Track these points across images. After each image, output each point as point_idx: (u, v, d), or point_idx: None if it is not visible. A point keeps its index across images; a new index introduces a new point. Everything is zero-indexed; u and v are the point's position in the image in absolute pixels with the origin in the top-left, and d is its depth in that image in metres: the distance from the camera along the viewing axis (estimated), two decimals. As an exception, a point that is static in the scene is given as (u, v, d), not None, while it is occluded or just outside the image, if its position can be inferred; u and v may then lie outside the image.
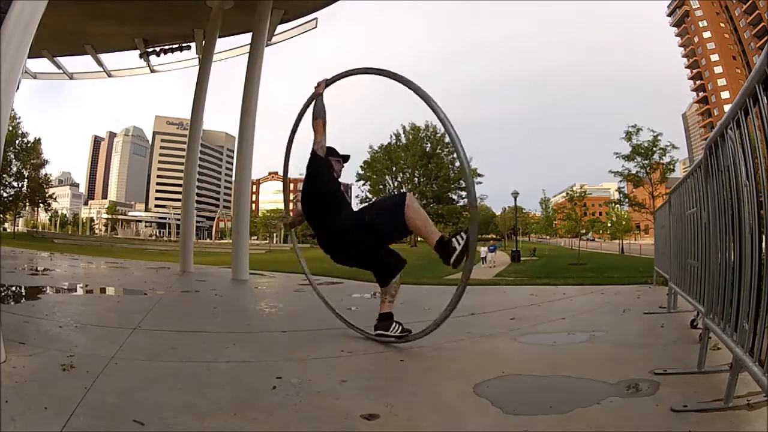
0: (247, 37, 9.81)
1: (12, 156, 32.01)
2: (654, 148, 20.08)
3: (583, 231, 31.31)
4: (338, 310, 3.62)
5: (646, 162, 20.25)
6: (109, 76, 13.10)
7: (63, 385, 2.10)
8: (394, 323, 3.07)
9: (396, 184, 50.28)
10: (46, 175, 38.15)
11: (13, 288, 5.40)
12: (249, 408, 1.95)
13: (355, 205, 3.47)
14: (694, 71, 59.99)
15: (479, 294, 6.14)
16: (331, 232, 3.03)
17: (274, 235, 60.83)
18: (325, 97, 3.26)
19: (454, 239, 2.74)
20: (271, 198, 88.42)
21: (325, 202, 3.07)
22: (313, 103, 3.23)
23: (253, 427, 1.78)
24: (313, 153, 3.12)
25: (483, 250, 22.62)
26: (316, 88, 3.28)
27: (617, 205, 29.16)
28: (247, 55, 8.81)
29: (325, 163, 3.12)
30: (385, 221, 2.92)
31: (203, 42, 10.28)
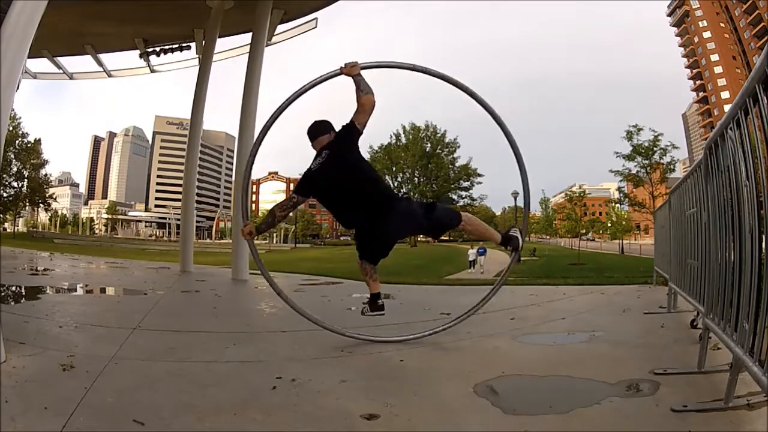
0: (247, 37, 9.81)
1: (12, 156, 31.96)
2: (654, 148, 20.11)
3: (583, 231, 31.27)
4: (338, 310, 3.62)
5: (647, 162, 20.28)
6: (109, 76, 13.10)
7: (63, 385, 2.11)
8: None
9: (396, 184, 50.21)
10: (46, 175, 38.08)
11: (13, 288, 5.40)
12: (249, 408, 1.95)
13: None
14: (694, 71, 59.94)
15: (479, 294, 6.13)
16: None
17: (274, 235, 60.87)
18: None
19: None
20: (271, 198, 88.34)
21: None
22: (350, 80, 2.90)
23: (253, 427, 1.78)
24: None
25: (471, 252, 18.99)
26: (351, 67, 2.89)
27: (617, 205, 29.19)
28: (247, 55, 8.81)
29: None
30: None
31: (203, 42, 10.27)
